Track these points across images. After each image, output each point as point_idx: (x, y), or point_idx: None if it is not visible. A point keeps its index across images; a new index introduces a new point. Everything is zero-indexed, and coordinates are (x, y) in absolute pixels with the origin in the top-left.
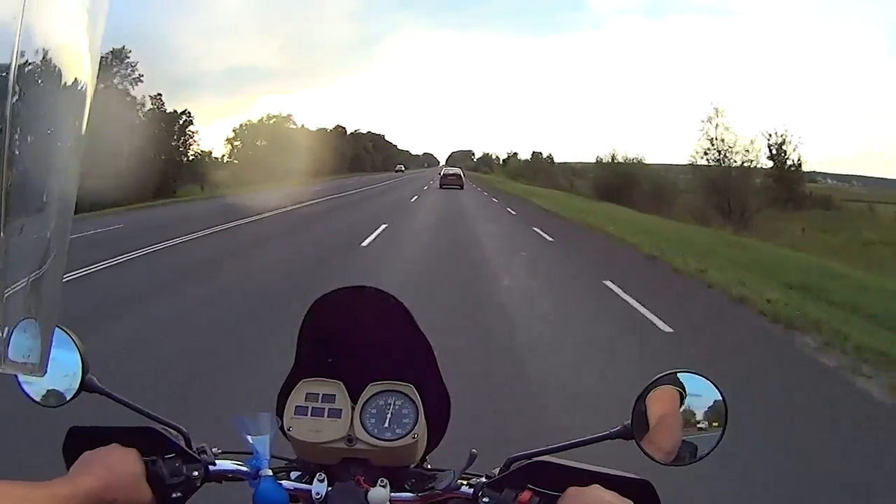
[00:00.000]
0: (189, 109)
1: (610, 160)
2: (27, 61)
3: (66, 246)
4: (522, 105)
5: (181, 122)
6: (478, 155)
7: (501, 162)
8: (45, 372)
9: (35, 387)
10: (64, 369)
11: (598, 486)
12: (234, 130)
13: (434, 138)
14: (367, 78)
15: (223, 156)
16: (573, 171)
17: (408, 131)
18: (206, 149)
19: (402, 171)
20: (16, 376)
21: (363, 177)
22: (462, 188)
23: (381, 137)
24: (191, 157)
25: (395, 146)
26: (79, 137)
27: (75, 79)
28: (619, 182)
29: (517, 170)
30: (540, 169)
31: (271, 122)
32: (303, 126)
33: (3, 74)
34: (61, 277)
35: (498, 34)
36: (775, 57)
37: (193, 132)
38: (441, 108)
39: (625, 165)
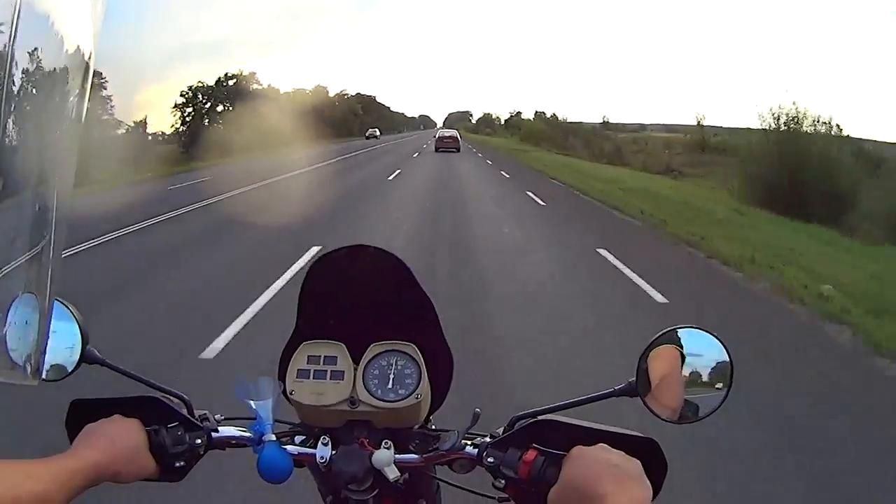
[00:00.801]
0: (102, 72)
1: (787, 125)
2: (27, 34)
3: (65, 221)
4: (518, 66)
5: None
6: (476, 116)
7: (503, 123)
8: (41, 376)
9: None
10: (64, 342)
11: (603, 444)
12: (182, 95)
13: (430, 101)
14: (359, 39)
15: (172, 126)
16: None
17: (402, 94)
18: (133, 120)
19: (376, 136)
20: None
21: (338, 145)
22: (458, 151)
23: (373, 99)
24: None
25: (388, 108)
26: (79, 113)
27: (77, 49)
28: (816, 175)
29: (536, 132)
30: (567, 130)
31: (231, 82)
32: (269, 86)
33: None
34: (60, 252)
35: None
36: None
37: (108, 98)
38: (436, 70)
39: (814, 137)
